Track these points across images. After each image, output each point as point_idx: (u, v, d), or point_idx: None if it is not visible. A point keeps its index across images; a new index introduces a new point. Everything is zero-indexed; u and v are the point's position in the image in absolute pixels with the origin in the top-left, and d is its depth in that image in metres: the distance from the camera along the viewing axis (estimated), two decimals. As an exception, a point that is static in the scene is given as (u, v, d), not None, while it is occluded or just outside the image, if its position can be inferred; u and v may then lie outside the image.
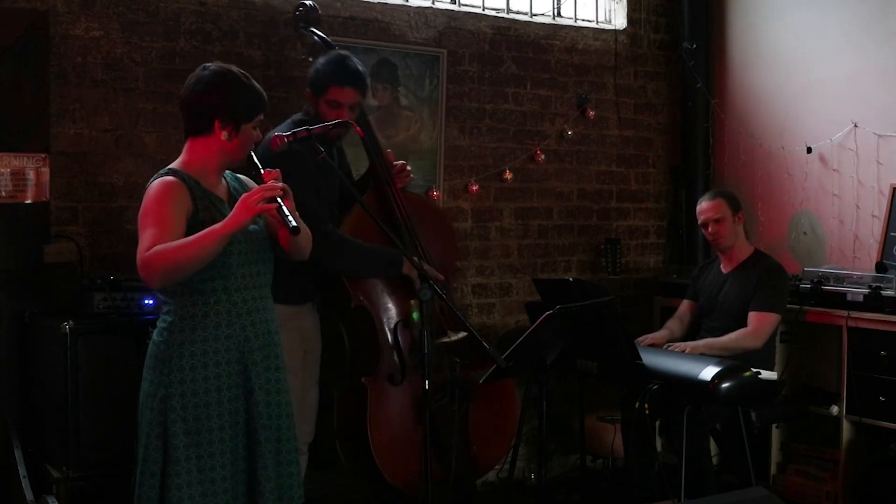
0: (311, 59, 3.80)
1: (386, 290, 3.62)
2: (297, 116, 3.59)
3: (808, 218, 4.95)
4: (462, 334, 3.62)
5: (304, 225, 2.80)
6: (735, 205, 4.28)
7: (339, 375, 3.75)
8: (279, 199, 2.58)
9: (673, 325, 4.42)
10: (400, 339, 3.59)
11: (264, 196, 2.57)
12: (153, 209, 2.62)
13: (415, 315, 3.60)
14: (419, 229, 3.70)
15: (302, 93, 3.77)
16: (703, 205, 4.31)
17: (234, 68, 2.78)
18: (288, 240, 2.74)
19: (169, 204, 2.62)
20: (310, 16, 3.87)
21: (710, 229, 4.27)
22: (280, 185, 2.62)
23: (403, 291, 3.63)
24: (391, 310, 3.62)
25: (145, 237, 2.57)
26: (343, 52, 3.64)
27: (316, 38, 3.81)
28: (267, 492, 2.73)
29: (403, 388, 3.56)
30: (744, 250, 4.30)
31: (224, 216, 2.67)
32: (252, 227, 2.74)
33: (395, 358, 3.59)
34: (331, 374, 3.78)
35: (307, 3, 3.88)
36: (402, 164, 3.77)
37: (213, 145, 2.73)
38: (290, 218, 2.58)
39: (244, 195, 2.61)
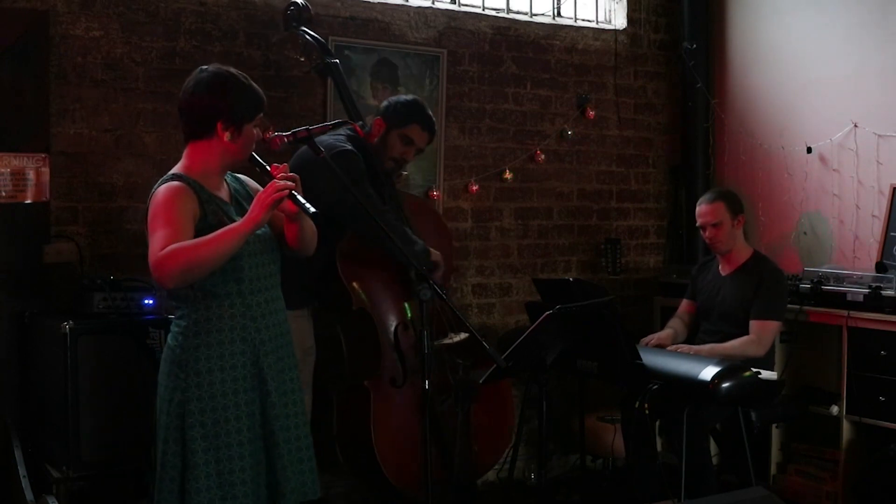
0: (302, 59, 3.84)
1: (385, 292, 3.63)
2: (345, 131, 3.62)
3: (808, 218, 4.94)
4: (463, 335, 3.63)
5: (311, 221, 2.81)
6: (735, 207, 4.22)
7: (338, 378, 3.74)
8: (293, 191, 2.60)
9: (675, 325, 4.39)
10: (401, 340, 3.59)
11: (279, 187, 2.57)
12: (162, 211, 2.59)
13: (408, 314, 3.62)
14: (417, 229, 3.72)
15: (307, 92, 3.79)
16: (702, 207, 4.26)
17: (232, 69, 2.77)
18: (295, 236, 2.76)
19: (177, 206, 2.60)
20: (302, 15, 3.86)
21: (707, 233, 4.23)
22: (290, 175, 2.62)
23: (402, 293, 3.63)
24: (391, 311, 3.62)
25: (157, 238, 2.53)
26: (420, 99, 3.82)
27: (308, 37, 3.82)
28: (288, 492, 2.73)
29: (405, 390, 3.56)
30: (742, 252, 4.25)
31: (230, 218, 2.67)
32: (259, 232, 2.74)
33: (397, 360, 3.58)
34: (329, 377, 3.77)
35: (298, 2, 3.87)
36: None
37: (216, 147, 2.71)
38: (308, 205, 2.59)
39: (259, 193, 2.61)
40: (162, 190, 2.64)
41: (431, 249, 3.63)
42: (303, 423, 2.83)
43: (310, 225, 2.81)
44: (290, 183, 2.59)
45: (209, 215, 2.65)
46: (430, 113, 3.77)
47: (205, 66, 2.78)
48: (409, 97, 3.79)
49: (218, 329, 2.67)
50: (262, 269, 2.75)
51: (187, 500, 2.62)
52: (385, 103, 3.77)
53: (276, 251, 2.82)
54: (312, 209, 2.59)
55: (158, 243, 2.52)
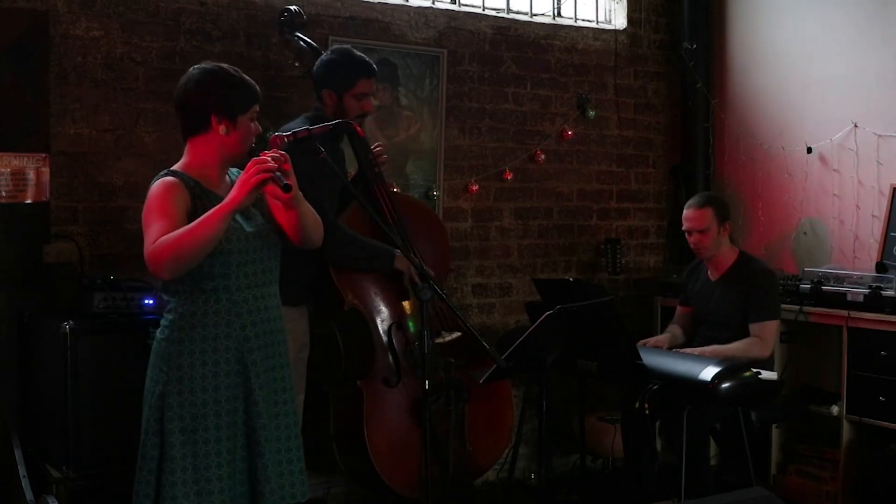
0: (297, 64, 3.85)
1: (378, 292, 3.62)
2: (310, 113, 3.62)
3: (808, 219, 4.94)
4: (456, 334, 3.62)
5: (312, 208, 2.81)
6: (723, 214, 4.15)
7: (335, 377, 3.74)
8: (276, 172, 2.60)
9: (674, 330, 4.35)
10: (394, 340, 3.59)
11: (259, 168, 2.58)
12: (156, 206, 2.65)
13: (410, 324, 3.61)
14: (411, 231, 3.70)
15: (307, 92, 3.79)
16: (690, 212, 4.16)
17: (223, 65, 2.79)
18: (294, 226, 2.75)
19: (171, 200, 2.65)
20: (295, 21, 3.88)
21: (692, 238, 4.14)
22: (276, 154, 2.63)
23: (395, 293, 3.62)
24: (384, 311, 3.61)
25: (151, 231, 2.59)
26: (343, 46, 3.72)
27: (302, 43, 3.85)
28: (267, 492, 2.72)
29: (399, 391, 3.56)
30: (729, 256, 4.18)
31: None
32: (251, 228, 2.75)
33: (390, 360, 3.58)
34: (326, 376, 3.77)
35: (292, 8, 3.89)
36: (379, 148, 3.81)
37: (213, 142, 2.74)
38: (282, 177, 2.59)
39: (242, 173, 2.63)
40: (156, 185, 2.70)
41: (399, 255, 3.53)
42: (291, 424, 2.82)
43: (310, 212, 2.81)
44: (271, 163, 2.59)
45: (199, 210, 2.67)
46: (362, 55, 3.65)
47: (197, 65, 2.81)
48: (335, 54, 3.64)
49: (203, 324, 2.68)
50: (253, 266, 2.75)
51: (163, 493, 2.63)
52: (318, 70, 3.63)
53: (272, 248, 2.82)
54: (285, 181, 2.58)
55: (152, 236, 2.58)
